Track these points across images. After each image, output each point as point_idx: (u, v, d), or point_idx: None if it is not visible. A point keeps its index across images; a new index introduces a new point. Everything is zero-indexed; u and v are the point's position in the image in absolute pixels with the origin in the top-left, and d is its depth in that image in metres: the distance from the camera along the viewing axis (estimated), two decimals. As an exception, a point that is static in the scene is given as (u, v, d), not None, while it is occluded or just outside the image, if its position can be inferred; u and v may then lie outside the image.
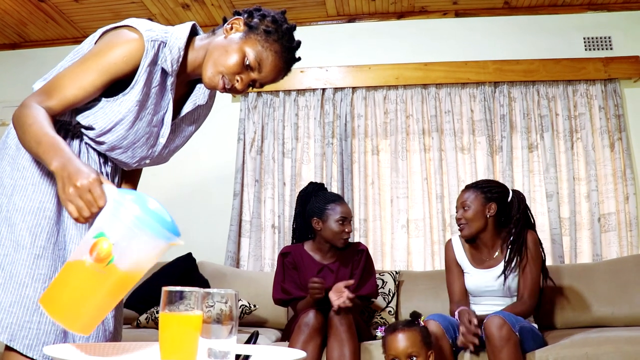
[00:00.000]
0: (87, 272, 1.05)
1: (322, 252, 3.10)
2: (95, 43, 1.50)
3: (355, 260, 3.08)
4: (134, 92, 1.47)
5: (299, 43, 1.60)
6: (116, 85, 1.47)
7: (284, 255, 3.11)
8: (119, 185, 1.70)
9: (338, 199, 3.11)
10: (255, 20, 1.53)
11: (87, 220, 1.16)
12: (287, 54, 1.56)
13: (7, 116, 4.38)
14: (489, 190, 2.91)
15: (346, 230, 3.01)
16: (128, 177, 1.79)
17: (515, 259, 2.78)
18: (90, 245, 1.06)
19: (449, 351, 2.51)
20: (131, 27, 1.49)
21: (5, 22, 4.28)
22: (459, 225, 2.92)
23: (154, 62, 1.48)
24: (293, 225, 3.28)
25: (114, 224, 1.06)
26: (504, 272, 2.78)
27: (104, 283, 1.06)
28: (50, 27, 4.38)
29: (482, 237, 2.90)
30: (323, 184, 3.35)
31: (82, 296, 1.07)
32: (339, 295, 2.72)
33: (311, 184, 3.32)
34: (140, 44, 1.45)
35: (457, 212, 2.95)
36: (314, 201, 3.12)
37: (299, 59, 1.62)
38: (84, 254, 1.06)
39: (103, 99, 1.47)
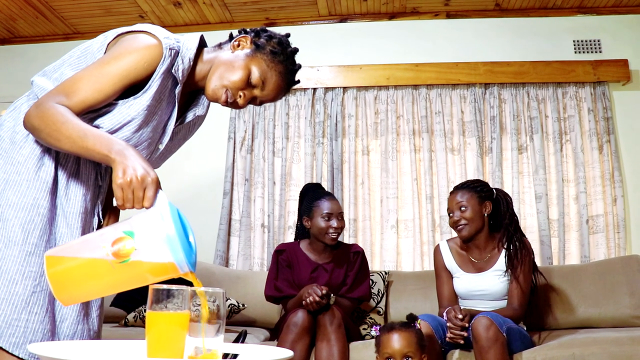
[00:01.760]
0: (100, 258, 1.09)
1: (316, 251, 3.09)
2: (107, 44, 1.50)
3: (350, 261, 3.07)
4: (146, 96, 1.47)
5: (300, 66, 1.67)
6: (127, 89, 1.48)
7: (278, 252, 3.11)
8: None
9: (325, 195, 3.11)
10: (262, 40, 1.60)
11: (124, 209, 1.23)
12: (289, 75, 1.64)
13: (-4, 112, 4.36)
14: (482, 190, 2.90)
15: (333, 226, 2.99)
16: None
17: (518, 266, 2.76)
18: (116, 238, 1.09)
19: (439, 351, 2.52)
20: (149, 32, 1.49)
21: (-6, 17, 4.25)
22: (456, 227, 2.88)
23: (168, 69, 1.50)
24: (297, 224, 3.30)
25: (147, 232, 1.09)
26: (510, 276, 2.77)
27: (108, 275, 1.09)
28: (40, 23, 4.36)
29: (477, 238, 2.89)
30: (319, 184, 3.36)
31: (84, 275, 1.11)
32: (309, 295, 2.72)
33: (307, 184, 3.34)
34: (159, 50, 1.47)
35: (451, 215, 2.90)
36: (305, 200, 3.13)
37: (298, 81, 1.70)
38: (107, 241, 1.09)
39: (115, 101, 1.47)
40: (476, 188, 2.90)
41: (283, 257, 3.09)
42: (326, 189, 3.94)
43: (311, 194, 3.16)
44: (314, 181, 3.99)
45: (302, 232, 3.21)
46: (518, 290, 2.75)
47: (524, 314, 2.80)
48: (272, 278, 3.07)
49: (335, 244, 3.09)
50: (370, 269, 3.70)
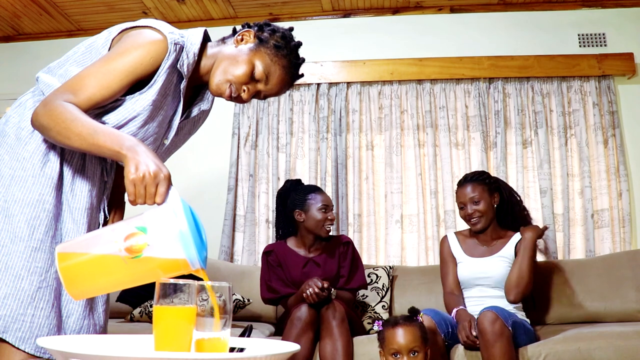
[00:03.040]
0: (112, 253, 1.09)
1: (306, 246, 3.09)
2: (112, 40, 1.50)
3: (341, 252, 3.07)
4: (151, 91, 1.48)
5: (303, 60, 1.67)
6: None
7: (267, 253, 3.09)
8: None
9: (317, 189, 3.12)
10: (266, 34, 1.60)
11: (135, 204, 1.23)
12: (293, 69, 1.63)
13: (0, 109, 4.36)
14: (490, 181, 2.96)
15: (329, 218, 3.01)
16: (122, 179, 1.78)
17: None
18: (129, 233, 1.09)
19: (442, 345, 2.53)
20: (154, 27, 1.49)
21: (-2, 14, 4.26)
22: (470, 220, 2.90)
23: (173, 64, 1.50)
24: (275, 224, 3.28)
25: (160, 228, 1.09)
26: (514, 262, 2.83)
27: (120, 270, 1.09)
28: (44, 20, 4.36)
29: (488, 229, 2.95)
30: (300, 180, 3.33)
31: (96, 270, 1.11)
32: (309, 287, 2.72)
33: (288, 181, 3.32)
34: (164, 45, 1.47)
35: (463, 207, 2.92)
36: (293, 195, 3.12)
37: (302, 75, 1.69)
38: (119, 236, 1.09)
39: (122, 97, 1.48)
40: (485, 180, 2.95)
41: (272, 257, 3.07)
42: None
43: (301, 189, 3.14)
44: (319, 176, 4.00)
45: (285, 231, 3.19)
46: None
47: (526, 294, 2.83)
48: (265, 280, 3.05)
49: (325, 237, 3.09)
50: (375, 264, 3.72)
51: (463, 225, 3.23)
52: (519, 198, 3.05)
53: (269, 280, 3.03)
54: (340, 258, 3.06)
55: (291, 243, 3.13)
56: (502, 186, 3.01)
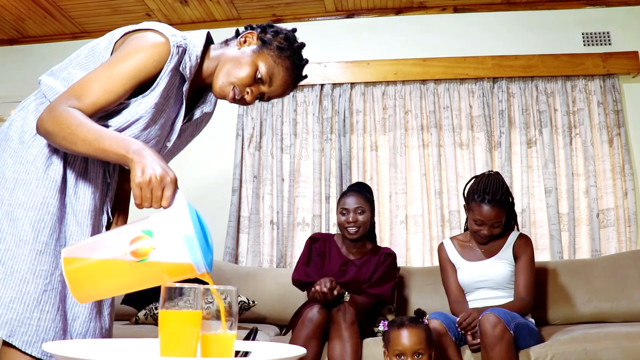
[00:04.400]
0: (118, 257, 1.09)
1: (347, 246, 3.12)
2: (115, 43, 1.50)
3: (380, 261, 3.07)
4: (154, 94, 1.47)
5: (307, 61, 1.66)
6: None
7: (313, 240, 3.15)
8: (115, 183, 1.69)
9: (349, 191, 3.16)
10: (269, 35, 1.59)
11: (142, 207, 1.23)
12: (296, 71, 1.62)
13: (5, 112, 4.37)
14: (507, 203, 2.85)
15: (349, 220, 3.02)
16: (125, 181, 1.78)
17: (522, 254, 2.86)
18: (135, 237, 1.09)
19: (454, 347, 2.52)
20: (156, 30, 1.49)
21: (3, 17, 4.27)
22: (480, 234, 2.85)
23: (175, 67, 1.49)
24: None
25: (166, 232, 1.09)
26: (515, 264, 2.84)
27: (126, 274, 1.09)
28: (49, 22, 4.37)
29: None
30: (363, 184, 3.33)
31: (101, 273, 1.11)
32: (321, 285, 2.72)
33: None
34: (167, 48, 1.46)
35: (480, 225, 2.82)
36: None
37: (306, 76, 1.68)
38: (125, 240, 1.09)
39: (125, 100, 1.48)
40: (504, 203, 2.82)
41: (317, 245, 3.12)
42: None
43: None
44: (323, 177, 4.00)
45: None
46: (523, 281, 2.79)
47: (532, 300, 2.82)
48: (302, 264, 3.08)
49: (358, 238, 3.06)
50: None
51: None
52: (511, 200, 2.95)
53: (307, 264, 3.05)
54: (378, 266, 3.06)
55: (337, 238, 3.17)
56: (511, 201, 2.94)
